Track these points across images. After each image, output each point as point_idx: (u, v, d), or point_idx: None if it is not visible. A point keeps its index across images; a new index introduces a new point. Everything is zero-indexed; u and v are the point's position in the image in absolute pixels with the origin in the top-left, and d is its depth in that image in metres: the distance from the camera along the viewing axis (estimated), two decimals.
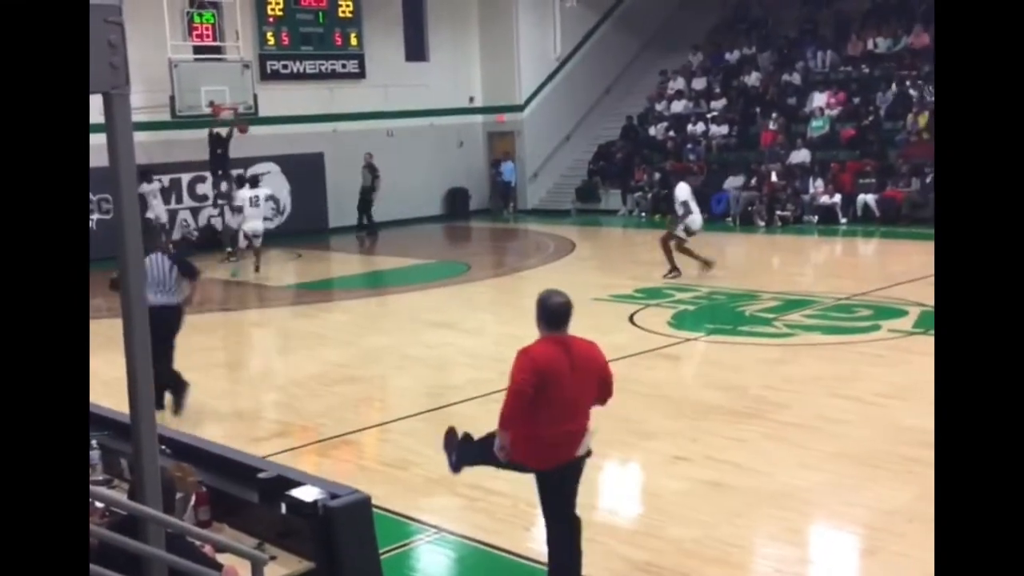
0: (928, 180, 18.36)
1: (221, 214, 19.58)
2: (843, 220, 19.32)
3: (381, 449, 7.81)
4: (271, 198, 18.52)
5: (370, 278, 17.59)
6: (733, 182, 21.23)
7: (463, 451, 5.15)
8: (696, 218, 14.18)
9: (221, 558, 3.72)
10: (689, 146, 23.02)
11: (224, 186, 19.08)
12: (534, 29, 24.46)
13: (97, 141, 3.02)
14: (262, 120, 20.32)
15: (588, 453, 4.87)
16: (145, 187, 17.39)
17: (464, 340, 11.27)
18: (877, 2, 23.69)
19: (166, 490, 3.35)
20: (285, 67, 21.49)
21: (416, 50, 23.81)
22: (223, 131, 19.11)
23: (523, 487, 5.16)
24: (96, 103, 2.92)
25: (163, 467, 3.44)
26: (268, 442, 7.73)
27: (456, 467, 5.21)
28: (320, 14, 21.84)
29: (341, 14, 22.09)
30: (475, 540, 5.81)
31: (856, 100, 21.49)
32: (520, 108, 24.60)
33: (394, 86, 22.87)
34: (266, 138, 20.59)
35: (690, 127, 23.51)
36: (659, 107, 24.74)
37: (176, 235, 20.04)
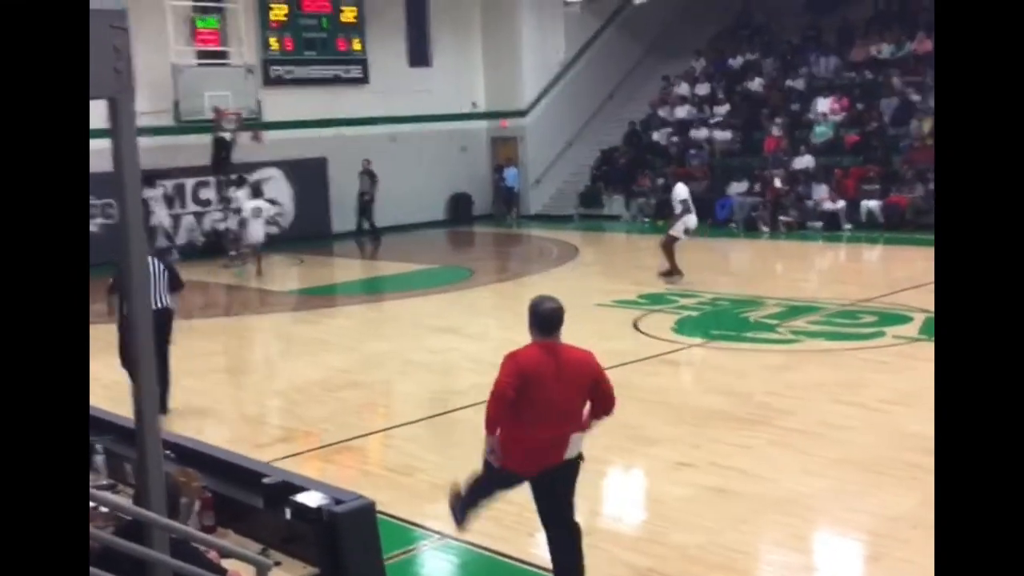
0: (932, 186, 18.35)
1: (225, 218, 19.58)
2: (847, 226, 19.29)
3: (385, 454, 7.80)
4: (273, 202, 18.53)
5: (373, 283, 17.59)
6: (737, 188, 21.23)
7: (463, 502, 5.13)
8: (693, 218, 14.27)
9: (226, 563, 3.72)
10: (692, 151, 23.03)
11: (231, 191, 19.08)
12: (537, 34, 24.49)
13: (101, 146, 3.02)
14: (265, 125, 20.36)
15: (580, 457, 4.85)
16: (148, 192, 17.43)
17: (467, 345, 11.26)
18: (880, 8, 23.70)
19: (171, 495, 3.34)
20: (288, 72, 21.53)
21: (419, 55, 23.85)
22: (227, 135, 19.13)
23: (528, 494, 5.15)
24: (101, 108, 2.93)
25: (168, 472, 3.43)
26: (271, 447, 7.72)
27: (461, 520, 5.17)
28: (323, 19, 21.89)
29: (344, 19, 22.13)
30: (480, 546, 5.79)
31: (860, 106, 21.48)
32: (523, 113, 24.62)
33: (397, 91, 22.91)
34: (269, 143, 20.61)
35: (693, 132, 23.52)
36: (662, 112, 24.74)
37: (182, 240, 20.10)
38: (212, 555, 3.66)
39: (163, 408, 8.56)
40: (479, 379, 9.33)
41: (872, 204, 19.19)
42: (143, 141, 3.10)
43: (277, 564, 3.86)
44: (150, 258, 8.56)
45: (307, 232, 21.33)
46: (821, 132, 21.42)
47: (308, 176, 21.71)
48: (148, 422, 3.07)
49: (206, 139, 19.21)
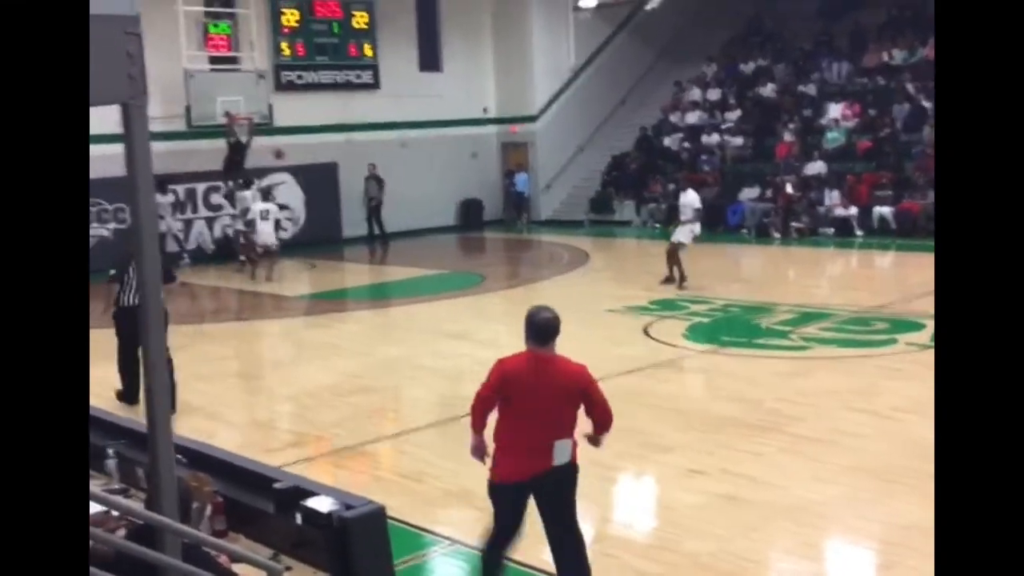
0: None
1: (232, 222, 19.59)
2: (859, 232, 19.23)
3: (395, 460, 7.79)
4: (284, 207, 18.58)
5: (384, 288, 17.60)
6: (748, 193, 21.19)
7: (488, 562, 5.06)
8: (698, 226, 14.34)
9: (236, 568, 3.72)
10: (704, 157, 23.00)
11: (237, 193, 19.13)
12: (548, 40, 24.50)
13: (115, 151, 3.03)
14: (277, 130, 20.41)
15: (571, 465, 4.84)
16: (159, 198, 17.50)
17: (478, 351, 11.23)
18: (893, 14, 23.63)
19: (182, 500, 3.35)
20: (300, 77, 21.59)
21: (430, 61, 23.89)
22: (244, 138, 19.20)
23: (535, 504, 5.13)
24: (114, 113, 2.94)
25: (179, 477, 3.44)
26: (282, 452, 7.73)
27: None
28: (335, 25, 21.95)
29: (356, 25, 22.20)
30: None
31: (872, 112, 21.42)
32: (534, 119, 24.63)
33: (408, 96, 22.95)
34: (281, 148, 20.66)
35: (705, 138, 23.49)
36: (673, 118, 24.72)
37: (192, 245, 20.18)
38: (223, 560, 3.66)
39: (135, 398, 8.86)
40: None
41: (884, 210, 19.12)
42: (155, 146, 3.10)
43: (288, 569, 3.86)
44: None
45: (318, 237, 21.38)
46: (833, 138, 21.36)
47: (319, 181, 21.76)
48: (160, 426, 3.07)
49: (218, 144, 19.26)
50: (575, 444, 4.87)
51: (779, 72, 24.07)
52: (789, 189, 20.19)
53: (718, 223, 20.22)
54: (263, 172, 20.18)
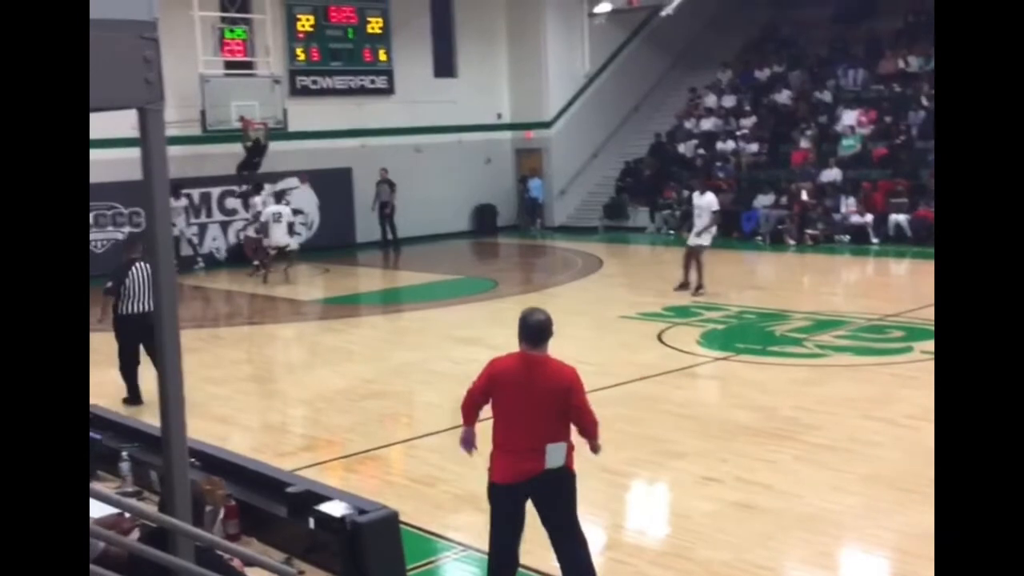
0: None
1: (244, 227, 19.60)
2: (875, 240, 19.14)
3: (408, 465, 7.78)
4: (298, 212, 18.62)
5: (397, 293, 17.62)
6: (763, 200, 21.12)
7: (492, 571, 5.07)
8: (715, 228, 14.39)
9: (249, 572, 3.72)
10: (719, 164, 22.94)
11: (261, 195, 19.16)
12: (562, 46, 24.50)
13: (131, 155, 3.03)
14: (291, 135, 20.47)
15: (566, 471, 4.81)
16: (172, 203, 17.56)
17: (491, 356, 11.21)
18: (909, 21, 23.54)
19: (195, 503, 3.34)
20: (314, 83, 21.66)
21: (445, 66, 23.93)
22: (262, 137, 19.26)
23: None
24: (130, 118, 2.94)
25: (193, 480, 3.43)
26: (295, 456, 7.73)
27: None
28: (350, 30, 22.02)
29: (370, 30, 22.25)
30: None
31: (888, 119, 21.33)
32: (548, 125, 24.63)
33: (422, 102, 22.99)
34: (295, 153, 20.74)
35: (720, 145, 23.44)
36: (688, 124, 24.68)
37: (205, 250, 20.25)
38: (236, 563, 3.66)
39: (139, 399, 9.21)
40: None
41: (900, 218, 19.02)
42: (170, 150, 3.09)
43: (300, 573, 3.86)
44: (144, 264, 9.03)
45: (332, 241, 21.42)
46: (848, 145, 21.27)
47: (333, 186, 21.81)
48: (174, 430, 3.07)
49: (233, 148, 19.34)
50: (571, 448, 4.84)
51: (794, 79, 24.01)
52: (804, 196, 20.12)
53: (732, 230, 20.16)
54: (278, 176, 20.24)
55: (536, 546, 5.79)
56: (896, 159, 20.37)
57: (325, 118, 21.52)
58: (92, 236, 18.50)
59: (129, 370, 9.38)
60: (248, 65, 20.37)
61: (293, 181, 20.93)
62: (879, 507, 6.29)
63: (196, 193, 20.01)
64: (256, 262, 18.20)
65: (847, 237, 19.51)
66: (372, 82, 22.44)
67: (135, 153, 2.92)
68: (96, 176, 17.69)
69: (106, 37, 2.83)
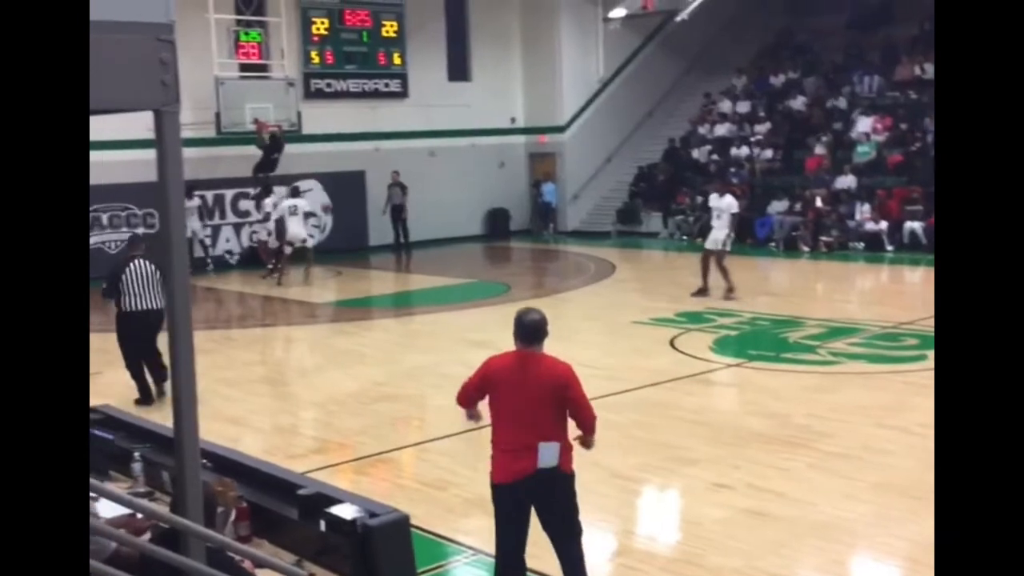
0: None
1: (257, 227, 19.62)
2: (889, 247, 19.05)
3: (419, 468, 7.78)
4: (310, 215, 18.67)
5: (409, 297, 17.64)
6: (777, 206, 21.07)
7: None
8: (732, 232, 14.41)
9: (260, 574, 3.72)
10: (732, 170, 22.88)
11: (276, 195, 19.19)
12: (577, 51, 24.51)
13: (146, 156, 3.04)
14: (305, 138, 20.54)
15: (561, 471, 4.79)
16: (186, 203, 17.64)
17: None
18: (926, 28, 23.44)
19: (207, 504, 3.35)
20: (329, 85, 21.72)
21: (459, 70, 23.96)
22: (279, 132, 19.31)
23: None
24: (143, 119, 2.95)
25: (205, 481, 3.44)
26: (306, 458, 7.74)
27: None
28: (364, 33, 22.07)
29: (385, 34, 22.31)
30: None
31: (903, 126, 21.25)
32: (562, 129, 24.63)
33: (436, 106, 23.03)
34: (309, 156, 20.80)
35: (734, 150, 23.39)
36: (702, 130, 24.64)
37: (216, 251, 20.32)
38: (247, 565, 3.66)
39: (151, 399, 9.34)
40: None
41: (915, 225, 18.93)
42: (185, 152, 3.10)
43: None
44: (144, 261, 9.14)
45: (345, 244, 21.46)
46: (864, 152, 21.20)
47: (346, 189, 21.86)
48: (187, 431, 3.07)
49: (247, 151, 19.41)
50: (568, 449, 4.83)
51: (809, 85, 23.94)
52: (819, 203, 20.05)
53: (746, 236, 20.11)
54: (292, 178, 20.29)
55: (539, 548, 5.79)
56: (911, 166, 20.28)
57: (339, 121, 21.58)
58: (106, 237, 18.60)
59: (136, 369, 9.42)
60: (263, 68, 20.47)
61: (306, 184, 20.96)
62: (891, 515, 6.25)
63: (210, 195, 20.09)
64: (270, 265, 18.25)
65: (861, 244, 19.43)
66: (386, 85, 22.50)
67: (149, 154, 2.92)
68: (110, 177, 17.96)
69: (123, 39, 2.85)
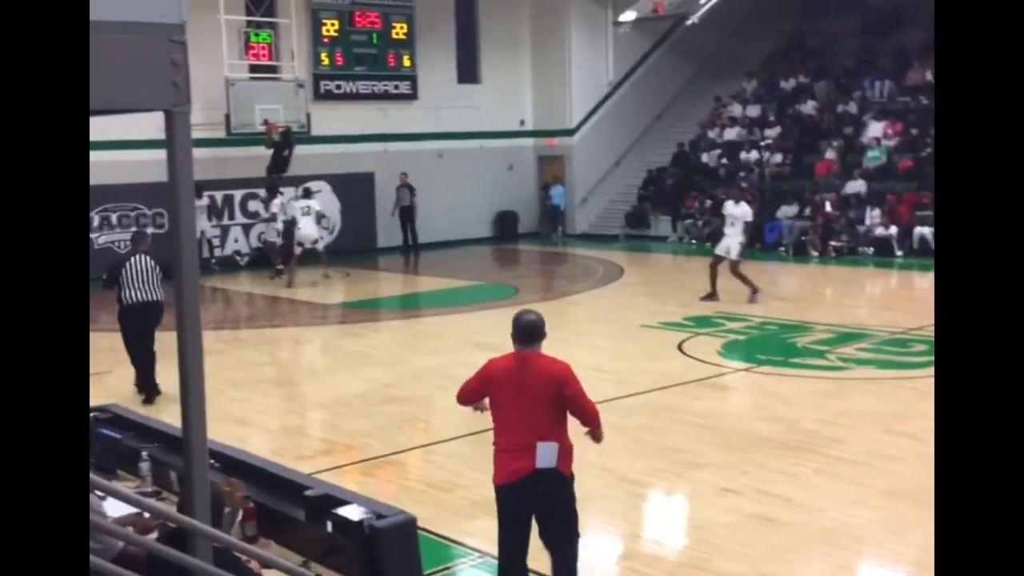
0: None
1: (267, 228, 19.62)
2: (899, 253, 18.99)
3: (425, 470, 7.78)
4: (322, 217, 18.69)
5: (418, 298, 17.64)
6: (786, 211, 21.02)
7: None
8: (744, 239, 14.48)
9: (267, 574, 3.71)
10: (742, 174, 22.83)
11: (284, 196, 19.19)
12: (586, 54, 24.51)
13: (154, 157, 3.04)
14: (314, 139, 20.57)
15: (559, 473, 4.78)
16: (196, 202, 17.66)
17: None
18: None
19: (214, 504, 3.35)
20: (338, 87, 21.75)
21: (468, 72, 23.98)
22: (290, 130, 19.34)
23: None
24: (157, 120, 2.95)
25: (212, 481, 3.44)
26: (313, 459, 7.74)
27: None
28: (374, 35, 22.11)
29: (395, 36, 22.33)
30: None
31: (914, 131, 21.18)
32: (571, 132, 24.63)
33: (446, 108, 23.04)
34: (318, 157, 20.83)
35: (743, 155, 23.35)
36: (712, 134, 24.61)
37: (224, 252, 20.36)
38: (253, 565, 3.66)
39: (151, 394, 9.47)
40: None
41: (925, 231, 18.86)
42: (195, 152, 3.10)
43: None
44: (145, 256, 9.40)
45: (353, 245, 21.48)
46: (874, 157, 21.14)
47: (355, 190, 21.88)
48: (195, 431, 3.07)
49: (256, 151, 19.45)
50: (568, 452, 4.82)
51: (820, 89, 23.88)
52: (828, 207, 20.00)
53: (755, 240, 20.05)
54: (301, 180, 20.30)
55: (541, 551, 5.78)
56: (922, 172, 20.20)
57: (348, 123, 21.61)
58: (116, 236, 18.65)
59: (138, 359, 9.63)
60: (273, 69, 20.50)
61: (316, 185, 20.96)
62: (899, 522, 6.22)
63: (219, 196, 20.13)
64: (280, 266, 18.27)
65: (871, 249, 19.37)
66: (396, 87, 22.52)
67: (159, 155, 2.92)
68: (120, 177, 17.98)
69: (135, 39, 2.85)
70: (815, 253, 19.68)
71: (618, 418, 7.99)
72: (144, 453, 5.06)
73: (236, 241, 20.73)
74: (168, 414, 7.37)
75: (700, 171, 23.84)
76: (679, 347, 11.56)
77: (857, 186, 20.47)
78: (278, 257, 18.44)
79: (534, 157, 25.24)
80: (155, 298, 9.37)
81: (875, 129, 21.65)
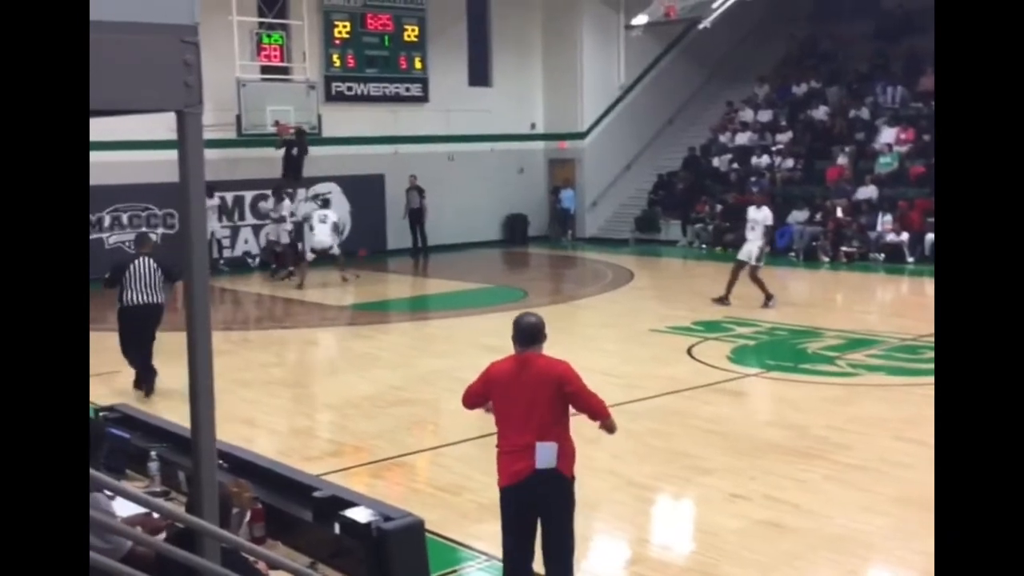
0: None
1: (277, 232, 19.65)
2: (910, 259, 18.92)
3: (433, 473, 7.77)
4: (338, 227, 18.70)
5: (427, 301, 17.64)
6: (797, 216, 20.97)
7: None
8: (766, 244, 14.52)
9: (274, 575, 3.71)
10: (753, 179, 22.80)
11: (298, 197, 19.20)
12: (598, 57, 24.50)
13: (165, 157, 3.05)
14: (325, 141, 20.60)
15: (559, 474, 4.77)
16: (206, 202, 17.70)
17: None
18: None
19: (222, 505, 3.35)
20: (350, 89, 21.79)
21: (480, 75, 23.99)
22: (303, 129, 19.38)
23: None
24: (168, 121, 2.96)
25: (220, 482, 3.44)
26: (321, 461, 7.75)
27: None
28: (386, 37, 22.14)
29: (406, 38, 22.37)
30: None
31: (926, 137, 21.10)
32: (582, 136, 24.62)
33: (457, 110, 23.06)
34: (328, 159, 20.86)
35: (754, 159, 23.30)
36: (723, 138, 24.57)
37: (234, 253, 20.40)
38: (261, 566, 3.66)
39: (150, 385, 9.65)
40: None
41: None
42: (206, 153, 3.11)
43: None
44: (148, 259, 9.55)
45: (364, 247, 21.49)
46: (885, 163, 21.07)
47: (365, 192, 21.91)
48: (204, 431, 3.08)
49: (267, 152, 19.50)
50: (569, 453, 4.82)
51: (832, 95, 23.82)
52: (839, 213, 19.94)
53: (767, 245, 20.01)
54: (311, 181, 20.35)
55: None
56: (933, 178, 20.13)
57: (359, 124, 21.64)
58: (126, 236, 18.69)
59: (142, 360, 9.73)
60: (284, 70, 20.54)
61: (326, 186, 21.00)
62: (909, 529, 6.19)
63: (230, 196, 20.18)
64: (291, 267, 18.31)
65: (882, 255, 19.30)
66: (407, 89, 22.54)
67: (170, 155, 2.93)
68: (131, 177, 18.04)
69: (147, 40, 2.86)
70: (826, 259, 19.63)
71: (627, 422, 7.95)
72: (153, 453, 5.08)
73: (246, 242, 20.77)
74: (176, 414, 7.38)
75: (711, 176, 23.80)
76: (688, 351, 11.53)
77: (869, 192, 20.41)
78: (282, 260, 18.48)
79: (545, 160, 25.24)
80: (155, 300, 9.53)
81: (887, 135, 21.58)
